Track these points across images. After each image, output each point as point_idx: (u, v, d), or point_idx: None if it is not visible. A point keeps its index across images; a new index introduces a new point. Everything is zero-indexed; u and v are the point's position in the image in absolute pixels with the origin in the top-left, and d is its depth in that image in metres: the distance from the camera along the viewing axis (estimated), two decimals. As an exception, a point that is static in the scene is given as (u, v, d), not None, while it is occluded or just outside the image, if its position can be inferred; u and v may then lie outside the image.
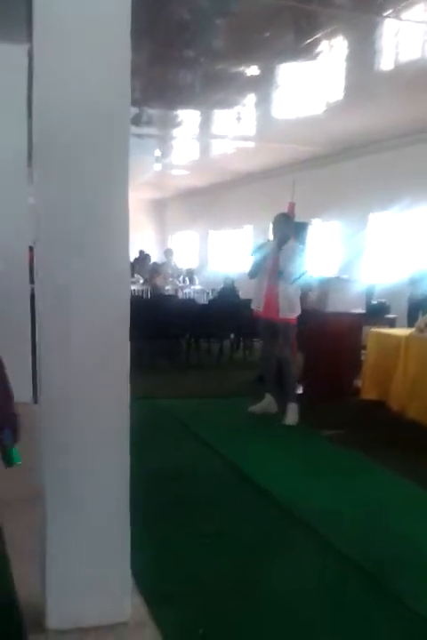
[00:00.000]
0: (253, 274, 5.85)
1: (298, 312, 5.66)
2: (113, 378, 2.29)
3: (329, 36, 6.29)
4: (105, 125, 2.24)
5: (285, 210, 6.63)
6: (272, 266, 5.61)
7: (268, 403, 5.84)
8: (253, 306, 5.87)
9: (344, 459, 4.66)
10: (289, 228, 5.95)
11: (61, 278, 2.21)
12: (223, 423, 5.51)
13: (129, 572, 2.36)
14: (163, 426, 5.31)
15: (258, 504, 3.74)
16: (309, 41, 6.34)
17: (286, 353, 5.66)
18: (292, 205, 7.12)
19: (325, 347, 6.39)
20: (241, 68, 7.65)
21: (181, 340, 8.59)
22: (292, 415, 5.54)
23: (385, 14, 5.63)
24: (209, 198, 17.48)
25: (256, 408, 5.81)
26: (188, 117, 10.14)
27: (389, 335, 6.34)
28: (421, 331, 5.71)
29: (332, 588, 2.82)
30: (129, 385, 2.30)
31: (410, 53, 6.83)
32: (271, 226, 6.00)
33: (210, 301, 10.04)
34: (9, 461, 1.72)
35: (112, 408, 2.31)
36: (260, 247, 5.99)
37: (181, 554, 3.03)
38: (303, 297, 6.09)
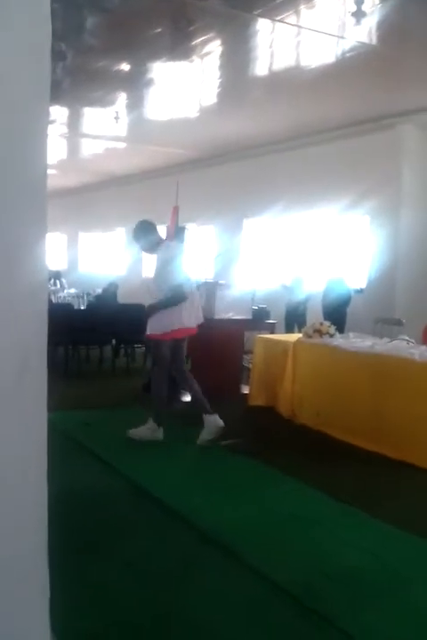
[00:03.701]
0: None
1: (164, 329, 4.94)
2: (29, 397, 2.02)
3: (203, 34, 6.23)
4: (17, 124, 1.99)
5: (161, 212, 6.44)
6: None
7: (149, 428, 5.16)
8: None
9: (247, 469, 4.54)
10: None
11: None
12: (116, 436, 5.21)
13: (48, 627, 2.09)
14: (51, 442, 4.93)
15: (167, 525, 3.54)
16: (182, 39, 6.25)
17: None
18: (175, 209, 7.00)
19: (210, 354, 6.29)
20: (112, 66, 7.41)
21: (58, 347, 8.18)
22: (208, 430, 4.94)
23: (256, 13, 5.63)
24: (79, 199, 16.97)
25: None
26: (55, 114, 9.70)
27: (276, 341, 6.29)
28: (309, 336, 5.77)
29: (258, 612, 2.70)
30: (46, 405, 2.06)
31: (284, 60, 6.98)
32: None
33: (88, 306, 9.69)
34: None
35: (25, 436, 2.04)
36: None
37: (97, 593, 2.78)
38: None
